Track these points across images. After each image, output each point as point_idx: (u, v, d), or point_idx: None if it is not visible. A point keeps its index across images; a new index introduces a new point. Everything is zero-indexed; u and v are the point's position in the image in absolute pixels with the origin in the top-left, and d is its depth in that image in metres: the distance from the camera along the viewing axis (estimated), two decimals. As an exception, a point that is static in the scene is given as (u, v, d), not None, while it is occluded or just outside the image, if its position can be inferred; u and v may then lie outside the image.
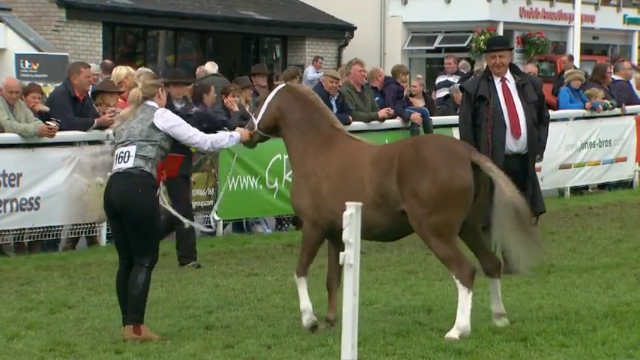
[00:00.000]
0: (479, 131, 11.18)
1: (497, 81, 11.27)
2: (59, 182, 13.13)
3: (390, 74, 18.13)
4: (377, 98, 16.47)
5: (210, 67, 18.32)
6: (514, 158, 11.19)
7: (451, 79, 20.97)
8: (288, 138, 8.92)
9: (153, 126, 8.61)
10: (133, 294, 8.52)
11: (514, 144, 11.20)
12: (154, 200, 8.65)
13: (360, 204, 5.60)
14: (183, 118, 9.01)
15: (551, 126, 18.05)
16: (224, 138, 8.93)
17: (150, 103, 8.77)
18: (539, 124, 11.39)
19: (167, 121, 8.66)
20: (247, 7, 30.50)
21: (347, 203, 5.59)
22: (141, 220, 8.50)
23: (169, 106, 11.87)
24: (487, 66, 11.52)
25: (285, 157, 14.77)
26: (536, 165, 17.09)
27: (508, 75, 11.31)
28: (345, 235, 5.55)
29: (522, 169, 11.24)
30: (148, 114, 8.67)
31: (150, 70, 9.26)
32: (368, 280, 10.71)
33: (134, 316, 8.49)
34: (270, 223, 15.55)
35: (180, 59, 29.66)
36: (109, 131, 13.74)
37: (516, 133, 11.19)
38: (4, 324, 9.03)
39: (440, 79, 22.10)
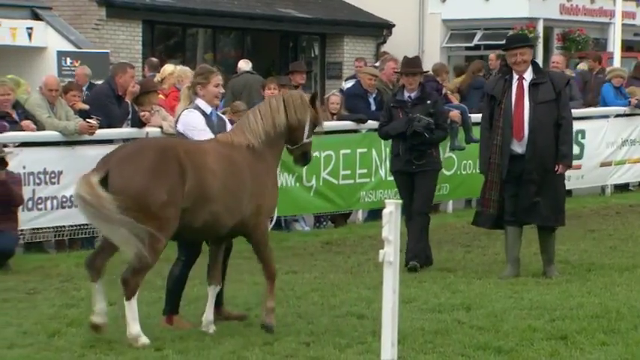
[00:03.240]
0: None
1: (514, 80, 10.95)
2: (99, 180, 13.19)
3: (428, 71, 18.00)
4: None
5: (244, 64, 18.27)
6: (520, 159, 10.83)
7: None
8: None
9: (177, 130, 8.82)
10: (167, 286, 8.87)
11: (517, 146, 10.85)
12: None
13: (400, 202, 5.60)
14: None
15: (592, 123, 18.11)
16: None
17: (196, 100, 8.84)
18: (557, 126, 10.90)
19: (183, 124, 8.77)
20: (286, 4, 30.52)
21: (386, 201, 5.59)
22: None
23: (394, 94, 12.01)
24: (507, 64, 11.22)
25: (323, 154, 14.84)
26: (577, 162, 17.02)
27: (527, 73, 10.95)
28: (384, 233, 5.54)
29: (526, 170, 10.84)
30: (178, 116, 8.87)
31: (206, 65, 9.35)
32: (407, 278, 10.69)
33: (167, 307, 8.83)
34: (309, 220, 15.55)
35: (219, 57, 29.70)
36: (148, 129, 13.84)
37: (518, 136, 10.81)
38: (45, 321, 9.09)
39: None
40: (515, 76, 10.99)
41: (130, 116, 13.83)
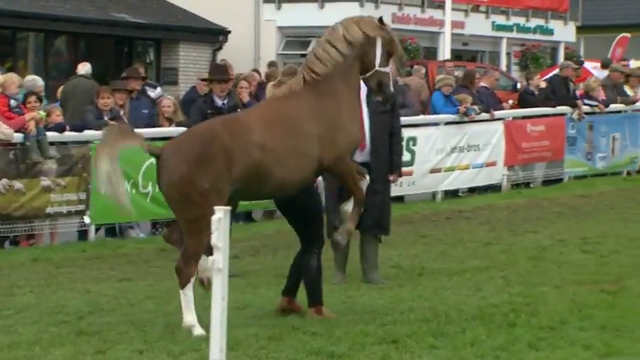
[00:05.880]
0: None
1: None
2: None
3: (266, 79, 18.05)
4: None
5: (80, 67, 17.98)
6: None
7: None
8: None
9: None
10: (308, 280, 9.19)
11: (358, 155, 10.73)
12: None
13: (229, 208, 5.62)
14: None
15: (422, 130, 18.50)
16: None
17: None
18: (392, 136, 11.11)
19: None
20: (119, 9, 30.16)
21: (215, 208, 5.59)
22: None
23: (210, 101, 11.84)
24: None
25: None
26: (409, 169, 17.34)
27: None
28: (213, 240, 5.54)
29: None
30: None
31: (293, 66, 9.89)
32: (241, 284, 10.70)
33: (313, 300, 9.17)
34: (145, 227, 15.41)
35: (51, 61, 29.16)
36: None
37: (361, 145, 10.66)
38: None
39: None
40: None
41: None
